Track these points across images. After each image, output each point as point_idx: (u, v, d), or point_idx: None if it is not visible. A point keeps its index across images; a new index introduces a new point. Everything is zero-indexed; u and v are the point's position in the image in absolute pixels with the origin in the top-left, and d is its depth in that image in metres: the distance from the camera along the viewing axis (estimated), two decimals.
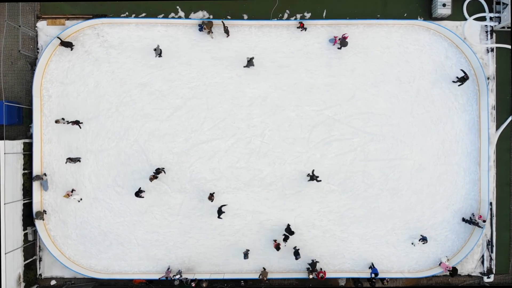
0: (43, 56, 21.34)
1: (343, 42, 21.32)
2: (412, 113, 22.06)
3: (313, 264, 21.37)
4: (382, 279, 21.35)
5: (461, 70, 21.30)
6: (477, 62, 21.67)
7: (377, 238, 22.07)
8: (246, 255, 21.24)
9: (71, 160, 21.54)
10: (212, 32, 21.39)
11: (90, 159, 21.97)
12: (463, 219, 22.00)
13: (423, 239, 21.50)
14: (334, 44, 21.70)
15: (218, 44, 21.90)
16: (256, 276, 21.85)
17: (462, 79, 21.21)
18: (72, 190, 21.70)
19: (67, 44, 21.40)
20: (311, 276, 20.89)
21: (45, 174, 21.66)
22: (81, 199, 21.83)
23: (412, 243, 21.81)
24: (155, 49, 21.17)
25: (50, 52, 21.63)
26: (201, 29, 21.59)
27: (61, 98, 21.93)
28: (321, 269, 21.33)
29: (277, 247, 21.22)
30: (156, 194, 22.06)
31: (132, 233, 22.07)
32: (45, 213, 21.79)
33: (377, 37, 22.07)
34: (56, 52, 21.81)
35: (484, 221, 21.54)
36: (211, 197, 21.32)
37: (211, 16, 22.12)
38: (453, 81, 21.73)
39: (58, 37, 21.17)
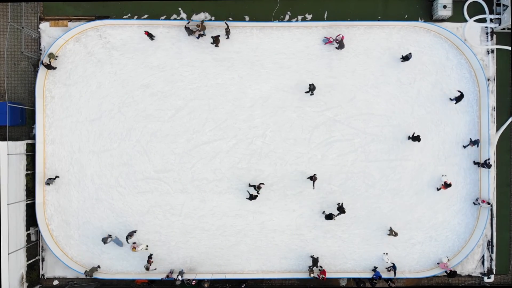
0: (46, 58, 21.42)
1: (341, 43, 21.42)
2: (412, 114, 22.18)
3: (315, 260, 21.44)
4: (387, 280, 21.41)
5: (458, 91, 21.49)
6: (478, 64, 21.78)
7: (378, 238, 22.17)
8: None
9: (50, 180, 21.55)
10: (204, 35, 21.41)
11: (92, 160, 22.09)
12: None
13: (393, 267, 21.34)
14: (326, 44, 21.85)
15: (219, 46, 21.98)
16: (257, 276, 21.99)
17: (459, 98, 21.47)
18: (134, 243, 21.56)
19: (50, 67, 21.47)
20: (312, 275, 20.97)
21: (110, 236, 21.65)
22: (147, 247, 21.69)
23: (385, 253, 21.93)
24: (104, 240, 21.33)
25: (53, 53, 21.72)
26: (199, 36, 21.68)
27: (63, 99, 22.07)
28: (320, 269, 21.42)
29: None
30: (158, 194, 22.18)
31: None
32: (99, 268, 21.84)
33: (377, 39, 22.20)
34: (59, 53, 21.94)
35: (489, 203, 21.59)
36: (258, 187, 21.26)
37: (213, 18, 22.26)
38: (451, 99, 21.97)
39: (47, 57, 21.29)
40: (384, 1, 22.53)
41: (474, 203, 22.13)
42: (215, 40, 21.31)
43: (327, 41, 21.75)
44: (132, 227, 22.14)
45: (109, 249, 22.07)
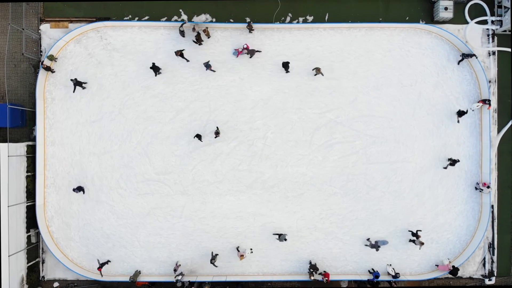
0: (46, 59, 21.36)
1: (250, 51, 21.30)
2: (414, 116, 22.14)
3: (313, 265, 21.42)
4: (390, 281, 21.38)
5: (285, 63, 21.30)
6: (479, 65, 21.73)
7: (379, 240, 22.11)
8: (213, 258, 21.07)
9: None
10: (200, 38, 21.38)
11: (93, 162, 22.03)
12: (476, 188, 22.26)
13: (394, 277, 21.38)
14: (237, 56, 21.61)
15: (220, 47, 21.99)
16: (257, 278, 21.98)
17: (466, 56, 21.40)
18: (238, 249, 21.57)
19: (49, 69, 21.39)
20: (312, 278, 20.94)
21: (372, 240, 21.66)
22: (251, 250, 21.33)
23: (389, 265, 21.71)
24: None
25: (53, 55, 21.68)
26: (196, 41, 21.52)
27: (64, 101, 22.00)
28: (324, 271, 21.40)
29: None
30: (158, 196, 22.13)
31: (135, 235, 22.12)
32: (140, 273, 21.74)
33: (379, 40, 22.17)
34: (59, 55, 21.89)
35: (488, 187, 21.65)
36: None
37: (214, 19, 22.23)
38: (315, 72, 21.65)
39: (48, 60, 21.29)
40: (385, 2, 22.52)
41: (476, 187, 22.05)
42: (198, 39, 21.24)
43: (237, 53, 21.47)
44: (133, 229, 22.07)
45: (109, 252, 22.02)
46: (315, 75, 21.64)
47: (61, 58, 21.91)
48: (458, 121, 21.84)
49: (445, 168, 21.94)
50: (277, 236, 21.42)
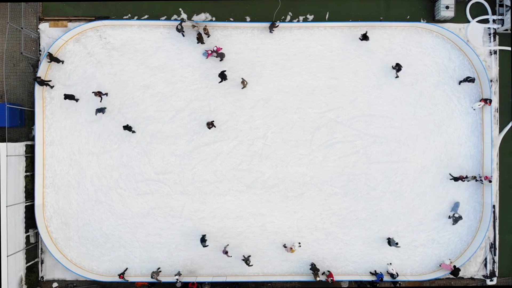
0: (45, 58, 21.24)
1: (220, 54, 21.25)
2: (415, 116, 22.03)
3: (313, 266, 21.36)
4: (395, 282, 21.25)
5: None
6: (480, 65, 21.62)
7: (380, 240, 22.01)
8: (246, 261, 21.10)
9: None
10: (202, 37, 21.32)
11: (92, 161, 21.93)
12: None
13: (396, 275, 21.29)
14: (207, 58, 21.55)
15: (220, 47, 21.86)
16: (257, 279, 21.85)
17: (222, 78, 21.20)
18: (286, 246, 21.53)
19: (58, 61, 21.36)
20: (318, 279, 20.82)
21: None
22: (299, 244, 21.46)
23: (389, 264, 21.74)
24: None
25: (52, 54, 21.53)
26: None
27: (63, 100, 21.78)
28: (329, 271, 21.34)
29: None
30: (158, 196, 22.03)
31: (134, 235, 22.02)
32: (159, 273, 21.41)
33: (380, 39, 22.04)
34: (58, 54, 21.77)
35: (490, 181, 21.58)
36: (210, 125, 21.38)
37: (214, 18, 22.12)
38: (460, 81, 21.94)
39: (49, 52, 21.18)
40: (386, 1, 22.40)
41: (476, 179, 21.86)
42: (199, 38, 21.20)
43: (207, 54, 21.41)
44: (132, 229, 21.96)
45: (108, 252, 21.93)
46: (242, 88, 21.54)
47: (60, 57, 21.76)
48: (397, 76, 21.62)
49: (395, 75, 21.54)
50: (387, 241, 21.60)
